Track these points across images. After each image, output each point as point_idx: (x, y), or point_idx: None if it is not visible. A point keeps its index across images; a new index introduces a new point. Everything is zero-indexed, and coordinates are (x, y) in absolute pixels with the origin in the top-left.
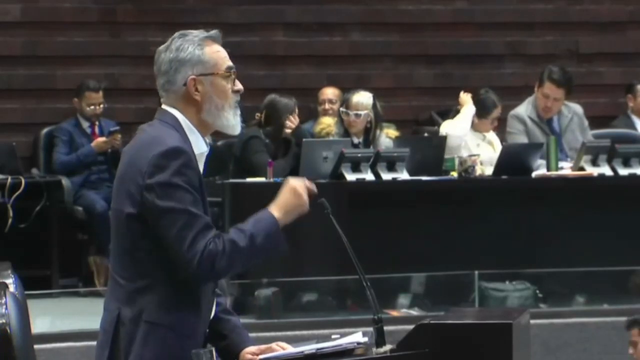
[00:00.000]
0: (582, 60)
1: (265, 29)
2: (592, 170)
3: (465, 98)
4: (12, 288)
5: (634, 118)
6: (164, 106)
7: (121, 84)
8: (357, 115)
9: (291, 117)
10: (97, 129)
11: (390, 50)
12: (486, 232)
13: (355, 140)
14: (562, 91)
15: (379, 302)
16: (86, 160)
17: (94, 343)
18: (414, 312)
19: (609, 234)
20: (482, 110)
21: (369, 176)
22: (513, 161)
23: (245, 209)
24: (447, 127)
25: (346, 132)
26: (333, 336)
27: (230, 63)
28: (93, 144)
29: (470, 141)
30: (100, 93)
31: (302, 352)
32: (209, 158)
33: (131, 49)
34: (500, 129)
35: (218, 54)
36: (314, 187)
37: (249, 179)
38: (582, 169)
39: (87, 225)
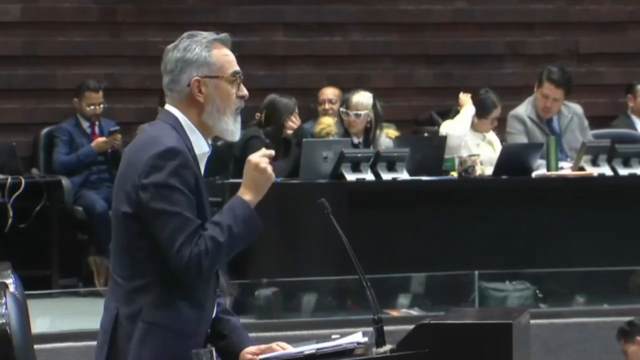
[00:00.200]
0: (582, 60)
1: (265, 29)
2: (592, 170)
3: (465, 98)
4: (12, 288)
5: (634, 118)
6: (166, 106)
7: (121, 84)
8: (357, 115)
9: (293, 118)
10: (97, 129)
11: (390, 50)
12: (486, 232)
13: (355, 140)
14: (561, 91)
15: (379, 302)
16: (86, 160)
17: (94, 343)
18: (414, 312)
19: (609, 234)
20: (482, 111)
21: (369, 176)
22: (513, 161)
23: None
24: (447, 127)
25: (346, 132)
26: (333, 336)
27: (237, 68)
28: (93, 144)
29: (470, 141)
30: (100, 93)
31: (302, 352)
32: (210, 159)
33: (131, 49)
34: (500, 129)
35: (225, 58)
36: (271, 152)
37: None
38: (582, 169)
39: (87, 225)
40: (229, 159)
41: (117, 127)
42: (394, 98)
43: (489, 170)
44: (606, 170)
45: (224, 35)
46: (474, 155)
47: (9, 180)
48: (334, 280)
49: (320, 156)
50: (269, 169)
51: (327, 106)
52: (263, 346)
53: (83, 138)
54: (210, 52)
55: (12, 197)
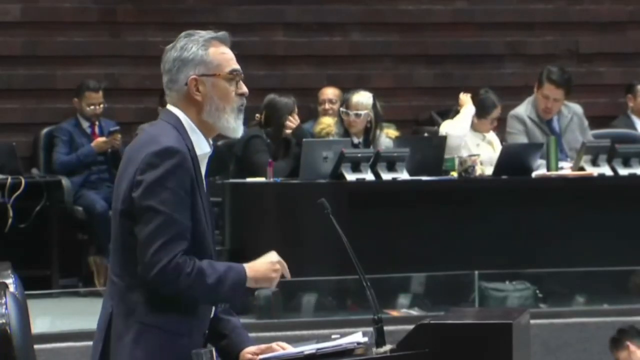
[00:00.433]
0: (582, 60)
1: (265, 29)
2: (592, 170)
3: (465, 98)
4: (12, 288)
5: (634, 118)
6: (168, 106)
7: (121, 84)
8: (357, 115)
9: (291, 117)
10: (97, 129)
11: (390, 50)
12: (486, 232)
13: (355, 140)
14: (561, 91)
15: (379, 302)
16: (86, 160)
17: None
18: (414, 312)
19: (609, 234)
20: (481, 111)
21: (369, 176)
22: (513, 161)
23: (245, 209)
24: (447, 127)
25: (346, 132)
26: (333, 336)
27: (235, 66)
28: (93, 144)
29: (470, 141)
30: (100, 93)
31: (302, 352)
32: (211, 159)
33: (131, 49)
34: (500, 129)
35: (223, 56)
36: (288, 274)
37: (249, 179)
38: (582, 169)
39: (87, 225)
40: (229, 159)
41: (117, 127)
42: (394, 98)
43: (489, 170)
44: (606, 170)
45: (222, 33)
46: (474, 155)
47: (9, 180)
48: (334, 280)
49: (320, 156)
50: (278, 277)
51: (327, 106)
52: (263, 346)
53: (83, 138)
54: (207, 50)
55: (12, 197)
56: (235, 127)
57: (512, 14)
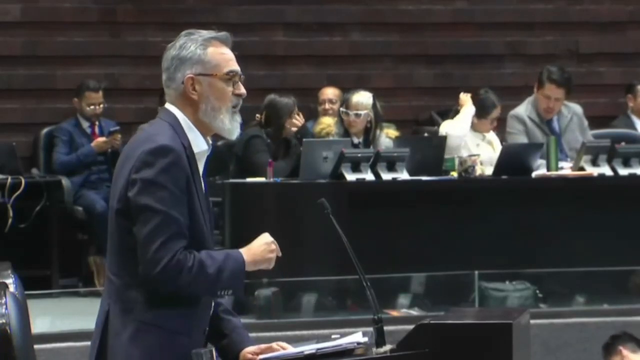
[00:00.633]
0: (582, 60)
1: (265, 29)
2: (592, 170)
3: (465, 98)
4: (12, 288)
5: (634, 118)
6: (166, 104)
7: (121, 84)
8: (357, 115)
9: (296, 116)
10: (97, 129)
11: (390, 50)
12: (486, 232)
13: (355, 140)
14: (562, 91)
15: (379, 302)
16: (86, 160)
17: None
18: (414, 312)
19: (609, 234)
20: (481, 111)
21: (369, 176)
22: (513, 161)
23: (245, 209)
24: (446, 127)
25: (346, 132)
26: (333, 336)
27: (234, 67)
28: (93, 144)
29: (470, 141)
30: (100, 93)
31: (302, 352)
32: (209, 158)
33: (131, 49)
34: (500, 129)
35: (222, 56)
36: (279, 252)
37: (249, 179)
38: (582, 169)
39: (87, 225)
40: (229, 159)
41: (117, 127)
42: (394, 98)
43: (489, 170)
44: (606, 170)
45: (223, 33)
46: (474, 155)
47: (9, 180)
48: (334, 280)
49: (320, 156)
50: (274, 257)
51: (327, 106)
52: (263, 346)
53: (83, 138)
54: (206, 50)
55: (12, 197)
56: (230, 128)
57: (512, 14)
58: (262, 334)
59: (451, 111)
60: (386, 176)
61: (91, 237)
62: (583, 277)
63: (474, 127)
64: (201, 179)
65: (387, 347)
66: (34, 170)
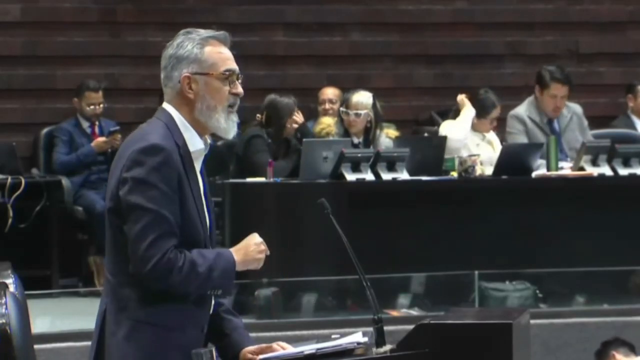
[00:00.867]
0: (582, 60)
1: (265, 29)
2: (592, 170)
3: (463, 101)
4: (12, 288)
5: (634, 118)
6: (163, 104)
7: (121, 84)
8: (357, 115)
9: (296, 115)
10: (97, 129)
11: (390, 50)
12: (486, 232)
13: (355, 140)
14: (567, 88)
15: (379, 302)
16: (86, 160)
17: None
18: (414, 312)
19: (609, 234)
20: (481, 111)
21: (369, 176)
22: (513, 161)
23: (245, 209)
24: (447, 129)
25: (346, 132)
26: (333, 336)
27: (231, 66)
28: (93, 144)
29: (470, 141)
30: (100, 93)
31: (302, 352)
32: (208, 158)
33: (131, 49)
34: (500, 129)
35: (219, 55)
36: (267, 251)
37: (249, 179)
38: (582, 169)
39: (87, 225)
40: (229, 159)
41: (117, 127)
42: (394, 98)
43: (489, 170)
44: (606, 170)
45: (221, 33)
46: (474, 155)
47: (9, 180)
48: (334, 280)
49: (320, 156)
50: (263, 257)
51: (327, 106)
52: (263, 346)
53: (83, 138)
54: (203, 49)
55: (12, 197)
56: (226, 127)
57: (512, 14)
58: (262, 334)
59: (451, 111)
60: (386, 176)
61: (91, 237)
62: (583, 277)
63: (474, 127)
64: (198, 178)
65: (387, 347)
66: (34, 170)
